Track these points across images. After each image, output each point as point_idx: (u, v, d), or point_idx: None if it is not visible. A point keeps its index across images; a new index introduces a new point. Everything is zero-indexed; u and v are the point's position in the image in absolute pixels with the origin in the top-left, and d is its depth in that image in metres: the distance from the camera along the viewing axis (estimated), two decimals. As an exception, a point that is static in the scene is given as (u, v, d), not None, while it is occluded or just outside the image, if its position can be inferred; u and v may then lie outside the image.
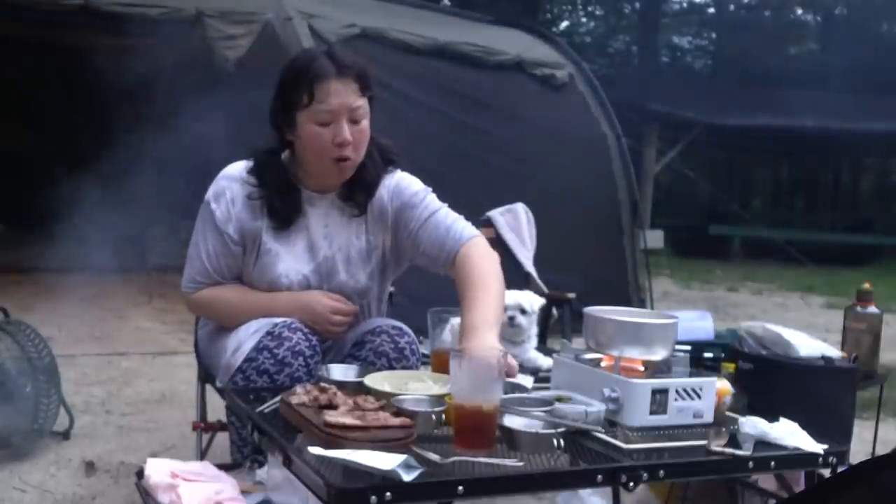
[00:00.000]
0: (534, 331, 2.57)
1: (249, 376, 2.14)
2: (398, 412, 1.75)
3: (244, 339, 2.19)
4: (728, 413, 2.04)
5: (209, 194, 2.29)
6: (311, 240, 2.29)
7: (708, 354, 2.85)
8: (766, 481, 2.38)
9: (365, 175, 2.28)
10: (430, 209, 2.29)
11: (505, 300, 2.26)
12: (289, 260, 2.27)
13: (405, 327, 2.32)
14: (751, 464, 1.81)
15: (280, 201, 2.25)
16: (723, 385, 2.04)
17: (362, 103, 2.19)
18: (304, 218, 2.29)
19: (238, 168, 2.30)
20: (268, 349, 2.13)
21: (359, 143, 2.19)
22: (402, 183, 2.34)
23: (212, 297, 2.32)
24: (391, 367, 2.23)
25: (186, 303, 2.38)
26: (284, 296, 2.28)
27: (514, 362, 2.02)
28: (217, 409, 2.62)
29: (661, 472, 1.73)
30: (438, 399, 1.82)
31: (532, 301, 2.53)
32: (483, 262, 2.19)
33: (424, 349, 2.46)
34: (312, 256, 2.29)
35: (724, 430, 1.86)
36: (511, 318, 2.50)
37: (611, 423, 1.87)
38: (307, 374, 2.13)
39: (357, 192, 2.29)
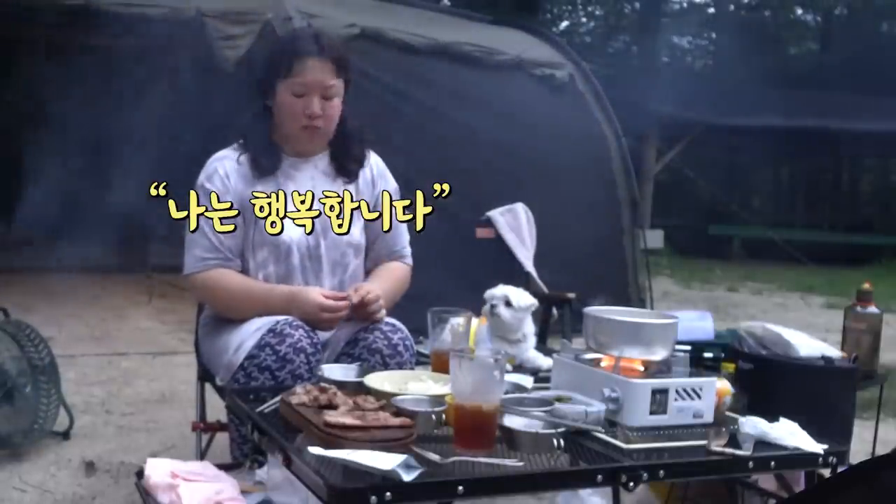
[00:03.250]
0: (531, 329, 2.55)
1: (251, 373, 2.16)
2: (398, 412, 1.75)
3: (246, 337, 2.23)
4: (728, 413, 2.04)
5: (201, 178, 2.40)
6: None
7: (708, 354, 2.84)
8: (766, 481, 2.38)
9: (353, 148, 2.49)
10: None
11: (493, 290, 2.52)
12: (286, 221, 2.34)
13: (398, 323, 2.36)
14: (751, 464, 1.81)
15: (263, 154, 2.40)
16: (723, 385, 2.04)
17: (336, 83, 2.36)
18: (293, 183, 2.40)
19: (226, 151, 2.44)
20: (270, 346, 2.16)
21: (329, 117, 2.38)
22: (387, 172, 2.57)
23: (215, 281, 2.36)
24: (385, 364, 2.24)
25: (190, 286, 2.42)
26: (280, 289, 2.33)
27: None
28: (217, 408, 2.62)
29: (661, 472, 1.74)
30: (438, 399, 1.82)
31: (520, 297, 2.50)
32: (402, 280, 2.54)
33: (424, 349, 2.47)
34: None
35: (724, 430, 1.86)
36: (493, 307, 2.48)
37: (611, 423, 1.87)
38: (308, 371, 2.16)
39: (349, 161, 2.47)
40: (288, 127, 2.39)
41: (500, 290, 2.51)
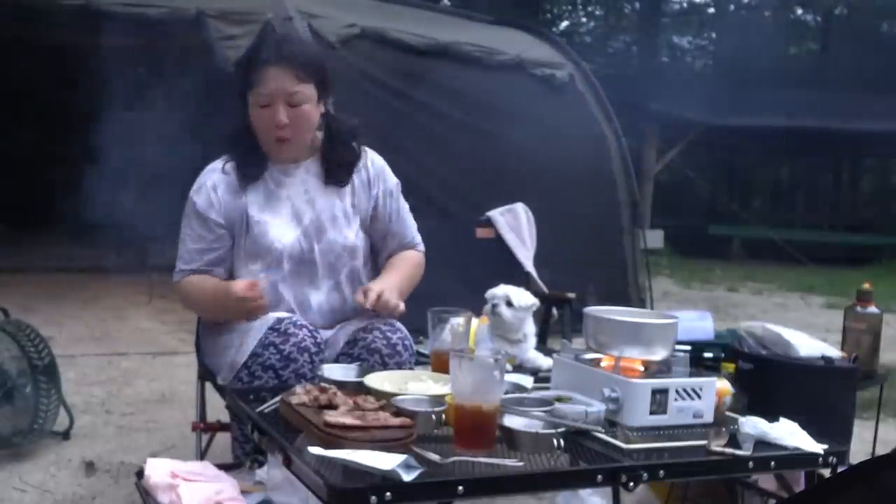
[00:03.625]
0: (531, 329, 2.55)
1: (255, 372, 2.18)
2: (398, 412, 1.75)
3: (248, 336, 2.24)
4: (728, 413, 2.04)
5: (192, 190, 2.42)
6: (295, 207, 2.41)
7: (708, 354, 2.84)
8: (766, 481, 2.38)
9: (339, 151, 2.46)
10: (405, 206, 2.56)
11: (494, 290, 2.51)
12: (278, 227, 2.37)
13: (397, 323, 2.36)
14: (751, 464, 1.81)
15: (246, 162, 2.40)
16: (723, 385, 2.04)
17: (300, 89, 2.31)
18: (285, 188, 2.41)
19: (217, 163, 2.45)
20: (273, 345, 2.17)
21: (297, 125, 2.33)
22: (386, 170, 2.54)
23: (187, 288, 2.40)
24: (384, 363, 2.25)
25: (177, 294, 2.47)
26: (221, 287, 2.34)
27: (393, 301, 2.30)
28: (217, 408, 2.62)
29: (661, 472, 1.74)
30: (438, 399, 1.82)
31: (521, 297, 2.49)
32: (417, 266, 2.54)
33: (424, 349, 2.47)
34: (298, 222, 2.40)
35: (724, 430, 1.86)
36: (494, 307, 2.47)
37: (611, 423, 1.87)
38: (312, 371, 2.17)
39: (338, 170, 2.46)
40: (262, 139, 2.38)
41: (502, 290, 2.50)
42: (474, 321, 2.45)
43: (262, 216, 2.37)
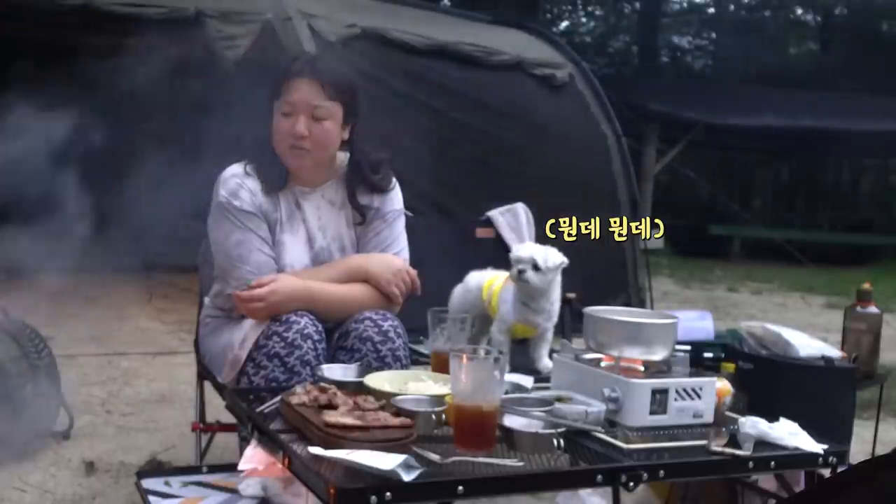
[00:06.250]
0: (557, 294, 2.43)
1: (260, 363, 2.18)
2: (398, 412, 1.75)
3: (249, 332, 2.25)
4: (728, 413, 2.04)
5: (224, 196, 2.35)
6: (310, 232, 2.42)
7: (708, 354, 2.84)
8: (766, 481, 2.38)
9: (359, 185, 2.45)
10: (398, 231, 2.49)
11: (519, 251, 2.39)
12: (294, 251, 2.38)
13: (388, 314, 2.34)
14: (751, 464, 1.81)
15: (265, 168, 2.38)
16: (723, 385, 2.04)
17: (326, 105, 2.32)
18: (301, 211, 2.42)
19: (238, 167, 2.41)
20: (277, 334, 2.19)
21: (317, 139, 2.33)
22: (396, 197, 2.52)
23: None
24: (377, 351, 2.25)
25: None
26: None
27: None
28: (217, 408, 2.62)
29: (661, 472, 1.74)
30: (438, 399, 1.82)
31: (549, 257, 2.34)
32: (377, 286, 2.38)
33: (424, 349, 2.47)
34: (310, 248, 2.42)
35: (724, 430, 1.86)
36: (520, 272, 2.32)
37: (611, 423, 1.87)
38: (316, 358, 2.17)
39: (360, 208, 2.46)
40: (277, 147, 2.36)
41: (527, 251, 2.36)
42: (497, 282, 2.43)
43: (283, 236, 2.38)
